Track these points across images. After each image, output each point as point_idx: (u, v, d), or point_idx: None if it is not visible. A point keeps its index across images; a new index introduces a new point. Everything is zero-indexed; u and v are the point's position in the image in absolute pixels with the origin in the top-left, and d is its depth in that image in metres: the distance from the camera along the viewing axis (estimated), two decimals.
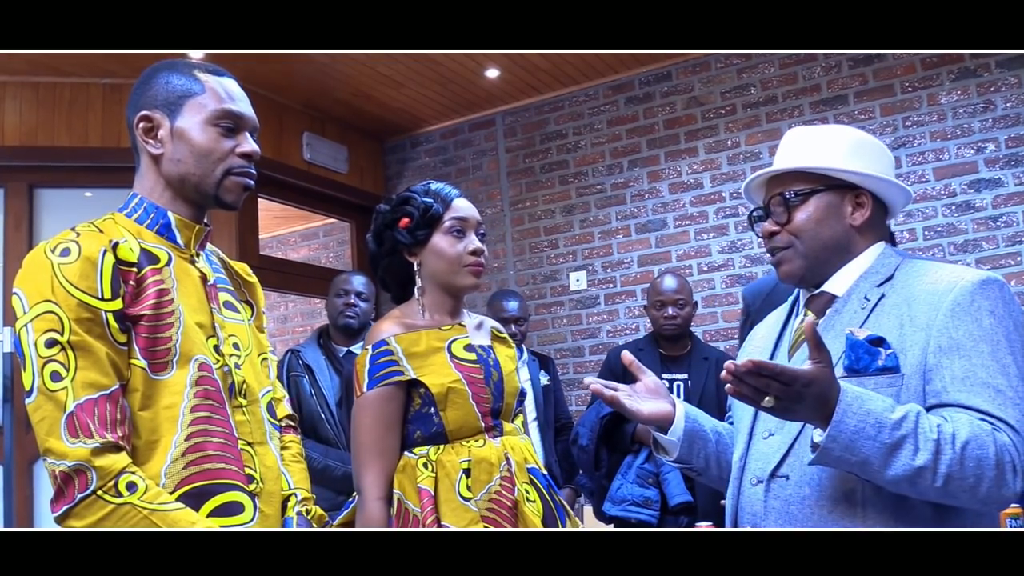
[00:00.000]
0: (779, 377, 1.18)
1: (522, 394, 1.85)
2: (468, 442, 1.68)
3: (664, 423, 1.48)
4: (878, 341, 1.28)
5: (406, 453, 1.69)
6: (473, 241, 1.77)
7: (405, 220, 1.77)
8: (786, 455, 1.33)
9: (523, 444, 1.77)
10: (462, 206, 1.79)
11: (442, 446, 1.68)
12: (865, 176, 1.41)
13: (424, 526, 1.59)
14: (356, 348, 3.24)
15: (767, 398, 1.19)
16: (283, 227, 6.16)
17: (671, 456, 1.52)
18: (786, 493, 1.32)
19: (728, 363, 1.22)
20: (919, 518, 1.23)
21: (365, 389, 1.68)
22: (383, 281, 1.88)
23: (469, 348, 1.76)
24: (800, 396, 1.18)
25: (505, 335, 1.92)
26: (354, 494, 1.74)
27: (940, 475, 1.17)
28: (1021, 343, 1.25)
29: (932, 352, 1.25)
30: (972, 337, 1.24)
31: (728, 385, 1.21)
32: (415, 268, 1.79)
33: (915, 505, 1.23)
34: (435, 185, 1.82)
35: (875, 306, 1.34)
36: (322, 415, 3.06)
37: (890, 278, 1.37)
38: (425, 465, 1.66)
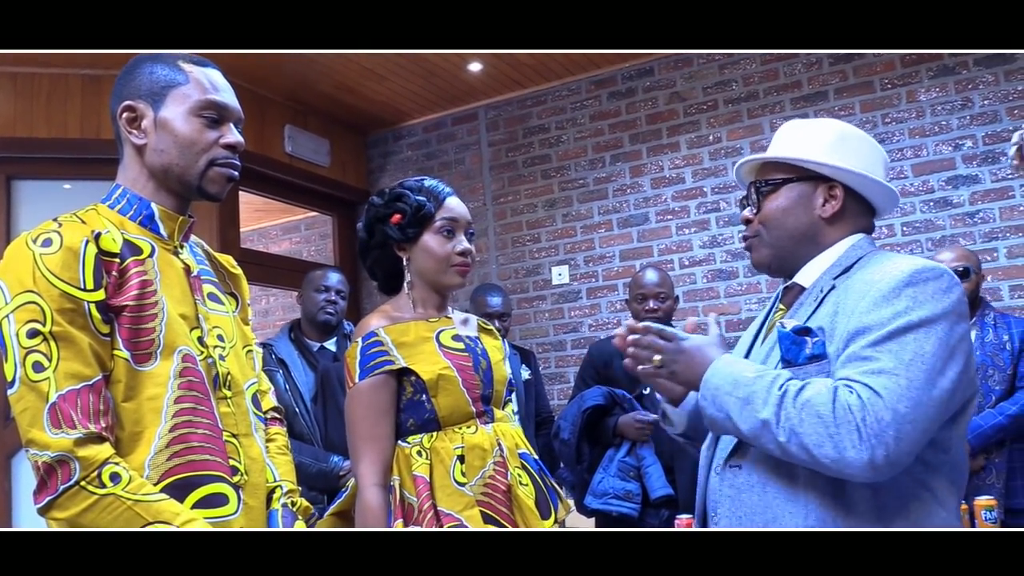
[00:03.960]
0: (661, 334, 1.39)
1: (511, 384, 1.88)
2: (460, 428, 1.72)
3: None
4: (804, 331, 1.32)
5: (400, 443, 1.71)
6: (462, 242, 1.80)
7: (397, 216, 1.80)
8: (739, 445, 1.37)
9: (514, 430, 1.81)
10: (454, 205, 1.82)
11: (435, 433, 1.71)
12: (836, 169, 1.43)
13: (421, 512, 1.62)
14: (329, 344, 3.25)
15: (655, 357, 1.38)
16: (264, 220, 6.13)
17: (676, 429, 1.57)
18: (739, 481, 1.36)
19: (626, 323, 1.45)
20: (856, 502, 1.25)
21: (357, 380, 1.71)
22: (371, 271, 1.91)
23: (457, 338, 1.79)
24: (678, 353, 1.37)
25: (491, 327, 1.95)
26: (350, 483, 1.77)
27: (783, 428, 1.22)
28: (941, 333, 1.23)
29: (844, 338, 1.28)
30: (881, 322, 1.25)
31: (619, 341, 1.42)
32: (404, 263, 1.82)
33: (851, 489, 1.25)
34: (428, 182, 1.84)
35: (824, 297, 1.37)
36: (296, 410, 3.02)
37: (847, 270, 1.39)
38: (419, 453, 1.69)
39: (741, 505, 1.34)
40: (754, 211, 1.48)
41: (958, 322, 1.26)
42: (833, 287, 1.38)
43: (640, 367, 1.42)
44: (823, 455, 1.19)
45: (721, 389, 1.30)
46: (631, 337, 1.42)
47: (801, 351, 1.31)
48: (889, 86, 3.94)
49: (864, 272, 1.35)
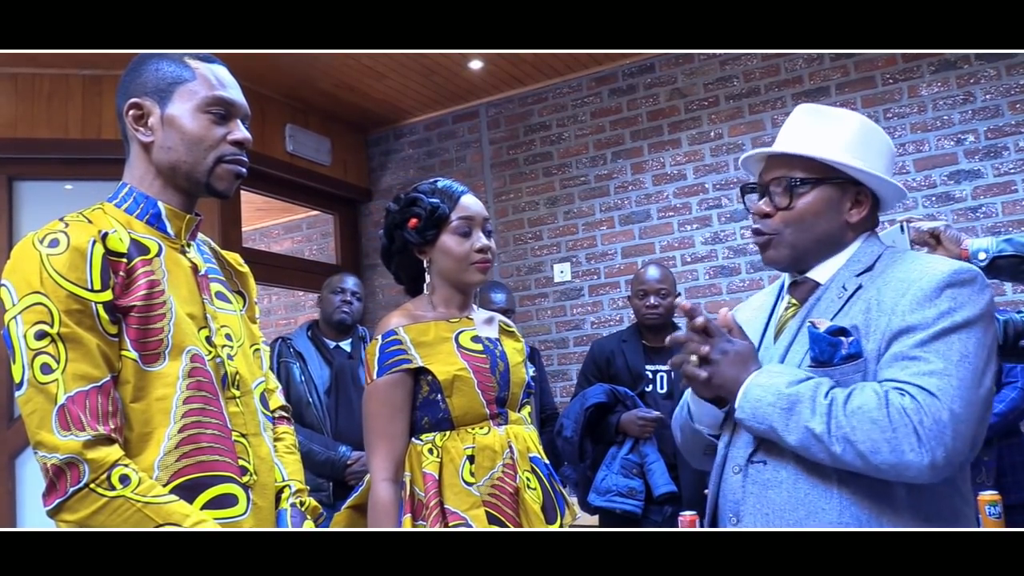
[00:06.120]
0: (707, 328, 1.36)
1: (529, 386, 1.89)
2: (473, 429, 1.73)
3: None
4: (839, 331, 1.29)
5: (414, 440, 1.74)
6: (480, 238, 1.82)
7: (414, 221, 1.82)
8: (762, 440, 1.34)
9: (527, 433, 1.81)
10: (469, 204, 1.84)
11: (448, 432, 1.73)
12: (871, 175, 1.40)
13: (428, 509, 1.64)
14: (345, 344, 3.41)
15: (692, 356, 1.36)
16: (266, 220, 6.12)
17: (709, 428, 1.50)
18: (764, 478, 1.33)
19: (680, 301, 1.44)
20: (892, 497, 1.25)
21: (375, 376, 1.74)
22: (396, 275, 1.94)
23: (476, 339, 1.81)
24: (722, 355, 1.34)
25: (514, 329, 1.97)
26: (366, 477, 1.78)
27: (835, 438, 1.20)
28: (980, 334, 1.24)
29: (887, 337, 1.27)
30: (925, 322, 1.24)
31: (677, 336, 1.40)
32: (425, 265, 1.85)
33: (891, 484, 1.24)
34: (442, 183, 1.86)
35: (851, 296, 1.35)
36: (309, 401, 3.18)
37: (870, 268, 1.38)
38: (430, 451, 1.71)
39: (768, 503, 1.32)
40: (778, 207, 1.42)
41: (991, 323, 1.27)
42: (860, 286, 1.36)
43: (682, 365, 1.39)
44: (880, 460, 1.18)
45: (763, 401, 1.27)
46: (681, 335, 1.39)
47: (837, 352, 1.28)
48: (891, 81, 3.93)
49: (896, 270, 1.34)
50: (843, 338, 1.28)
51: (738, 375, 1.32)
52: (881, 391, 1.21)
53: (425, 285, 1.85)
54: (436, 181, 1.87)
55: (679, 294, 3.37)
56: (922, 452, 1.16)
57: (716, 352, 1.35)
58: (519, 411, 1.84)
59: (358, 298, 3.45)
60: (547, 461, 1.83)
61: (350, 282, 3.47)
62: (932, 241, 1.92)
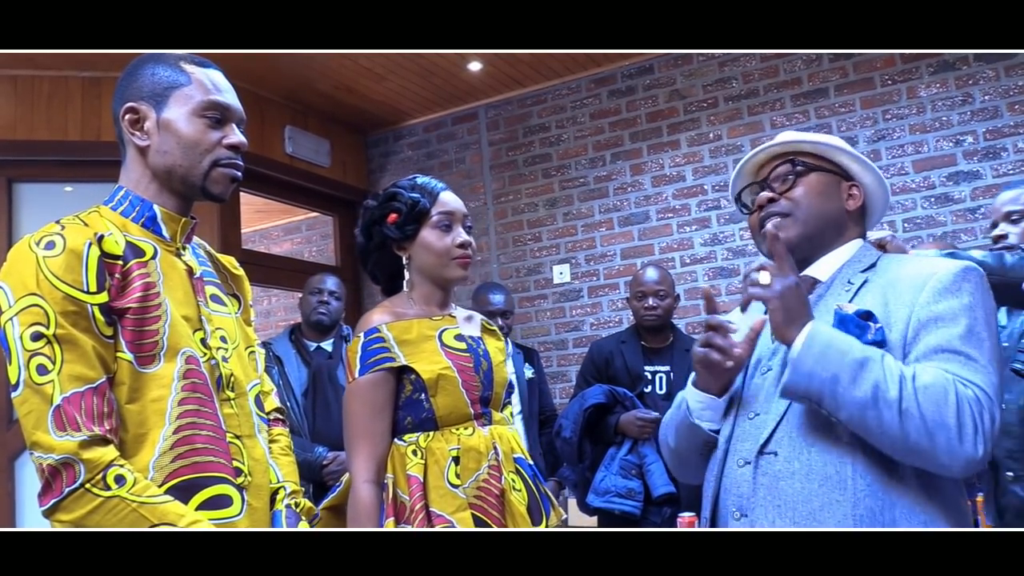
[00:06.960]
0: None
1: (511, 386, 1.88)
2: (457, 430, 1.71)
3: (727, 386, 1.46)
4: (867, 315, 1.31)
5: (396, 441, 1.71)
6: (460, 234, 1.80)
7: (393, 216, 1.80)
8: (774, 432, 1.34)
9: (511, 434, 1.80)
10: (448, 200, 1.82)
11: (432, 433, 1.70)
12: (865, 166, 1.48)
13: (413, 512, 1.61)
14: (326, 344, 3.43)
15: (763, 272, 1.32)
16: (265, 221, 6.13)
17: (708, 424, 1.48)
18: (775, 469, 1.32)
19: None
20: (906, 491, 1.25)
21: (357, 375, 1.71)
22: (373, 274, 1.91)
23: (459, 338, 1.78)
24: (787, 277, 1.31)
25: (494, 328, 1.95)
26: (344, 478, 1.77)
27: (900, 409, 1.19)
28: (994, 327, 1.30)
29: (913, 326, 1.29)
30: (952, 311, 1.27)
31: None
32: (404, 262, 1.82)
33: (903, 478, 1.25)
34: (421, 179, 1.85)
35: (859, 289, 1.38)
36: (287, 404, 3.19)
37: (873, 266, 1.42)
38: (414, 452, 1.68)
39: (779, 494, 1.31)
40: (782, 190, 1.47)
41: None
42: (866, 280, 1.39)
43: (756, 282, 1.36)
44: (940, 441, 1.18)
45: (835, 345, 1.25)
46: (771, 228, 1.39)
47: (863, 335, 1.29)
48: (889, 82, 3.93)
49: (903, 269, 1.37)
50: (870, 323, 1.30)
51: (806, 308, 1.31)
52: (949, 377, 1.22)
53: (405, 282, 1.83)
54: (415, 178, 1.86)
55: (678, 296, 3.38)
56: (977, 443, 1.18)
57: (793, 277, 1.33)
58: (501, 411, 1.83)
59: (336, 298, 3.46)
60: (531, 462, 1.81)
61: (329, 282, 3.49)
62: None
